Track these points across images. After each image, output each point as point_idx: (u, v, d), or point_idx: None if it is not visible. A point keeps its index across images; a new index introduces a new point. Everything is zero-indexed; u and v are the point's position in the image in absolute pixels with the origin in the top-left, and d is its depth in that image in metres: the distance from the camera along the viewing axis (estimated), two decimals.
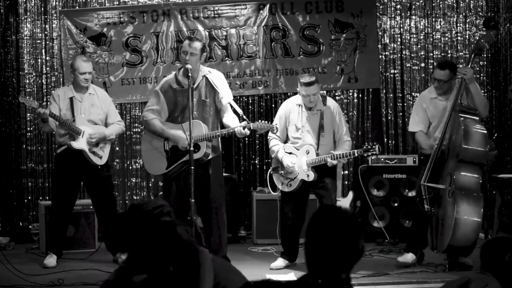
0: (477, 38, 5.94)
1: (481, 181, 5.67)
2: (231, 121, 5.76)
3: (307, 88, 5.90)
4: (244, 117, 5.70)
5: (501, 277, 3.08)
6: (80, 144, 6.15)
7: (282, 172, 6.06)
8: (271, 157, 6.24)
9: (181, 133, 5.67)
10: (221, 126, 5.86)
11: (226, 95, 5.80)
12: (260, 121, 5.80)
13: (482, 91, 7.68)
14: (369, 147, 5.79)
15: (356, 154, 5.83)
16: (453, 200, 5.44)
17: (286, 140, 6.14)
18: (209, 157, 5.74)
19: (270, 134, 6.14)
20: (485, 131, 5.68)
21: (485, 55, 7.67)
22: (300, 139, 6.03)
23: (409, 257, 5.89)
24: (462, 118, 5.58)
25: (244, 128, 5.58)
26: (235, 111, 5.84)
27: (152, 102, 5.90)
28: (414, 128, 6.09)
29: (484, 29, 6.15)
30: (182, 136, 5.66)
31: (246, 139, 7.50)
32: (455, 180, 5.50)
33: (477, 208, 5.49)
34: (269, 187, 6.21)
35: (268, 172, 6.22)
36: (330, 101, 6.16)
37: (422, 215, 5.76)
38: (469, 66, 5.85)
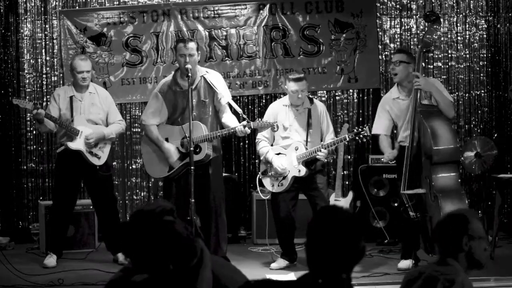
0: (426, 38, 5.73)
1: (459, 179, 5.61)
2: (231, 121, 5.77)
3: (296, 84, 5.95)
4: (244, 116, 5.71)
5: (461, 261, 2.95)
6: (77, 144, 6.14)
7: (272, 173, 6.07)
8: (260, 161, 6.26)
9: (173, 150, 5.70)
10: (220, 126, 5.87)
11: (225, 95, 5.79)
12: (260, 120, 5.83)
13: (483, 90, 7.70)
14: (359, 129, 5.81)
15: (347, 139, 5.85)
16: (437, 203, 5.40)
17: (273, 143, 6.16)
18: (210, 158, 5.74)
19: (258, 136, 6.16)
20: (451, 127, 5.62)
21: (485, 55, 7.67)
22: (288, 138, 6.06)
23: (408, 262, 5.87)
24: (425, 120, 5.48)
25: (244, 127, 5.59)
26: (234, 111, 5.85)
27: (151, 105, 5.89)
28: (376, 131, 5.98)
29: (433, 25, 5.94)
30: (172, 153, 5.68)
31: (246, 139, 7.50)
32: (434, 183, 5.45)
33: (462, 205, 5.45)
34: (259, 191, 6.22)
35: (257, 177, 6.23)
36: (316, 101, 6.26)
37: (410, 223, 5.69)
38: (420, 66, 5.68)
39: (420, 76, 5.61)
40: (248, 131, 5.65)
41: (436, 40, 5.85)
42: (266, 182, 6.14)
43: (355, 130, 5.87)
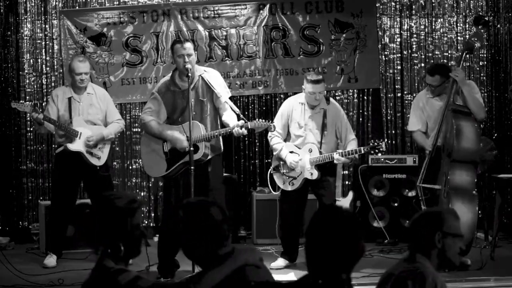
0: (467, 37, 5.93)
1: (475, 180, 5.68)
2: (230, 119, 5.71)
3: (314, 86, 5.90)
4: (241, 116, 5.69)
5: (433, 258, 2.92)
6: (76, 146, 6.14)
7: (284, 171, 6.05)
8: (272, 156, 6.23)
9: (178, 134, 5.64)
10: (220, 124, 5.86)
11: (223, 93, 5.76)
12: (257, 119, 5.79)
13: (483, 90, 7.70)
14: (375, 144, 5.81)
15: (363, 152, 5.86)
16: (448, 200, 5.45)
17: (286, 138, 6.13)
18: (208, 157, 5.72)
19: (270, 133, 6.13)
20: (478, 129, 5.70)
21: (485, 55, 7.67)
22: (302, 137, 6.03)
23: None
24: (454, 118, 5.60)
25: (241, 127, 5.55)
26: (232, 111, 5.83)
27: (150, 105, 5.86)
28: (411, 127, 6.18)
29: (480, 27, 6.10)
30: (178, 137, 5.64)
31: (246, 139, 7.49)
32: (449, 180, 5.51)
33: (472, 207, 5.49)
34: (269, 186, 6.20)
35: (269, 172, 6.21)
36: (333, 101, 6.22)
37: None
38: (460, 65, 5.84)
39: (460, 70, 5.73)
40: (245, 132, 5.60)
41: (482, 45, 5.95)
42: (277, 178, 6.12)
43: (371, 143, 5.87)
